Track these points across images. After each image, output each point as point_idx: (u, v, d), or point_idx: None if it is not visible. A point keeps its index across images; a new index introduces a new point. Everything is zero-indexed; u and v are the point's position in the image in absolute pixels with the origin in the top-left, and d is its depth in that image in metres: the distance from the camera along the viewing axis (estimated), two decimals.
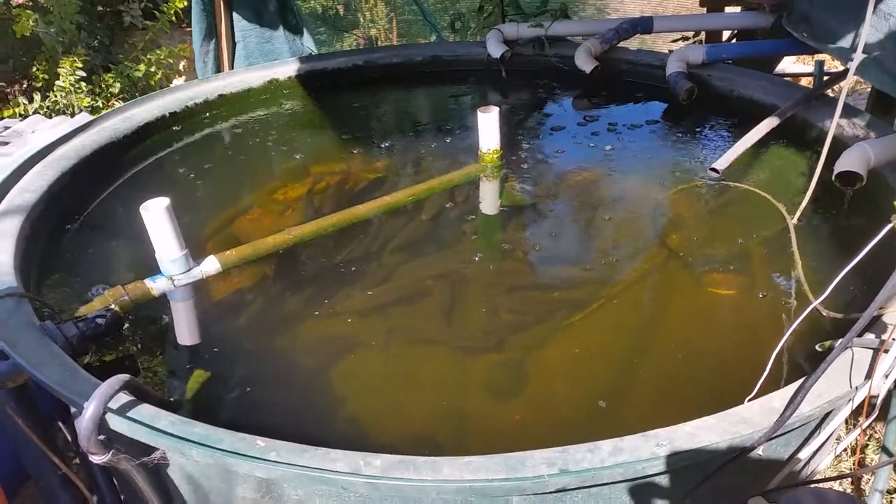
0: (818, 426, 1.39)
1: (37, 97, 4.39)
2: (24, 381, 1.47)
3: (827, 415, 1.35)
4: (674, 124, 2.78)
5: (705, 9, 3.92)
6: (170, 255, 1.80)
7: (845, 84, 1.81)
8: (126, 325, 1.74)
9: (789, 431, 1.27)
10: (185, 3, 4.52)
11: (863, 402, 1.32)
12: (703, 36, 4.04)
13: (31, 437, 1.49)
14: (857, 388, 1.26)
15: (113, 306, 1.72)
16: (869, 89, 3.77)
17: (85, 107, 4.36)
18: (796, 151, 2.42)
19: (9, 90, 4.88)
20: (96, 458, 1.24)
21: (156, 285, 1.82)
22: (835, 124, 1.85)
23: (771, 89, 2.64)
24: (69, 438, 1.66)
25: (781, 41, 2.95)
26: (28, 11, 4.42)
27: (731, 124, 2.70)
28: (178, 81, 4.95)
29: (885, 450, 1.71)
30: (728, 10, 3.95)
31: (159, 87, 4.52)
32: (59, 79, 4.36)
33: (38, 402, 1.65)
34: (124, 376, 1.28)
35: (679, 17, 4.42)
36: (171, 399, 1.52)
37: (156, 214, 1.73)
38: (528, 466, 1.13)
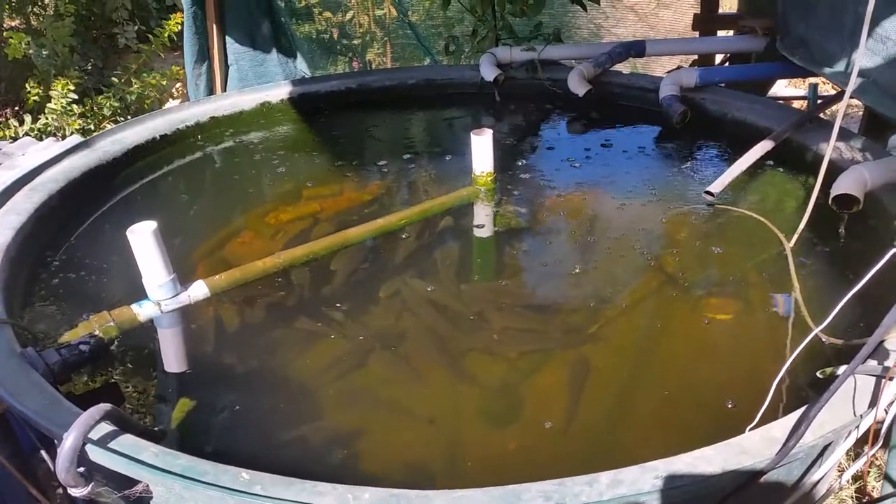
0: (820, 455, 1.36)
1: (28, 119, 4.37)
2: (2, 411, 1.43)
3: (829, 444, 1.32)
4: (668, 148, 2.77)
5: (698, 33, 3.94)
6: (157, 279, 1.76)
7: (841, 107, 1.80)
8: (111, 352, 1.70)
9: (792, 461, 1.24)
10: (180, 27, 4.53)
11: (867, 430, 1.28)
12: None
13: (8, 467, 1.44)
14: (861, 416, 1.23)
15: (97, 332, 1.68)
16: (860, 113, 3.79)
17: (76, 129, 4.35)
18: (791, 175, 2.41)
19: (0, 113, 4.86)
20: (75, 491, 1.20)
21: (142, 311, 1.78)
22: (831, 147, 1.84)
23: (765, 112, 2.63)
24: (53, 469, 1.61)
25: (774, 64, 2.96)
26: (20, 34, 4.41)
27: (725, 148, 2.70)
28: (172, 104, 4.94)
29: (887, 478, 1.68)
30: (720, 33, 3.99)
31: (152, 110, 4.50)
32: (50, 101, 4.34)
33: (18, 431, 1.61)
34: (106, 406, 1.24)
35: (672, 41, 4.45)
36: (156, 429, 1.47)
37: (142, 238, 1.70)
38: (524, 501, 1.09)
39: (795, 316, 1.74)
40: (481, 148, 2.36)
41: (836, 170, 2.01)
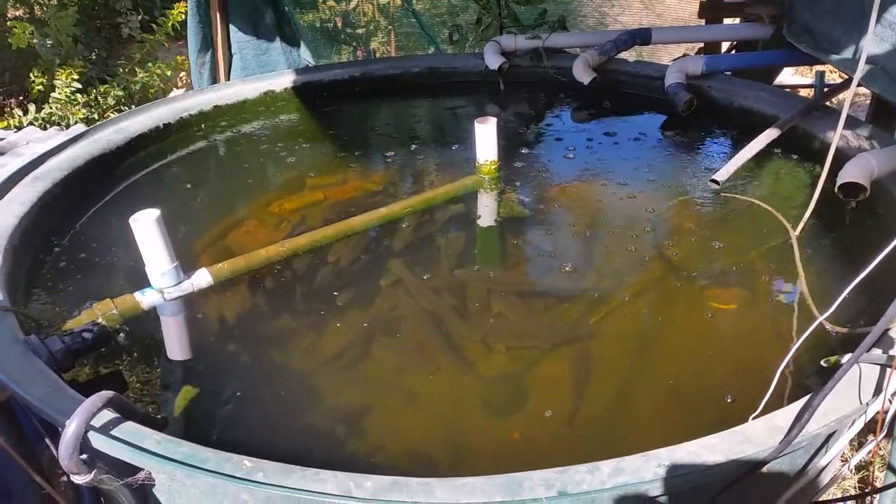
0: (824, 444, 1.35)
1: (32, 109, 4.37)
2: (6, 398, 1.44)
3: (833, 433, 1.31)
4: (673, 136, 2.75)
5: (704, 20, 3.91)
6: (159, 267, 1.76)
7: (848, 94, 1.79)
8: (114, 340, 1.70)
9: (795, 450, 1.23)
10: (183, 17, 4.52)
11: (871, 419, 1.28)
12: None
13: (12, 454, 1.44)
14: (866, 405, 1.22)
15: (100, 320, 1.68)
16: (868, 101, 3.76)
17: (80, 119, 4.35)
18: (797, 163, 2.39)
19: (4, 102, 4.87)
20: (78, 478, 1.20)
21: (145, 299, 1.78)
22: (838, 134, 1.82)
23: (771, 100, 2.61)
24: (56, 456, 1.62)
25: (781, 52, 2.94)
26: (24, 23, 4.41)
27: (731, 135, 2.68)
28: (175, 93, 4.94)
29: (891, 468, 1.67)
30: (727, 21, 3.95)
31: (156, 100, 4.50)
32: (54, 90, 4.34)
33: (22, 419, 1.61)
34: (108, 393, 1.24)
35: (678, 29, 4.41)
36: (159, 416, 1.47)
37: (145, 226, 1.70)
38: (526, 488, 1.08)
39: (800, 305, 1.73)
40: (485, 136, 2.34)
41: (842, 158, 1.99)
